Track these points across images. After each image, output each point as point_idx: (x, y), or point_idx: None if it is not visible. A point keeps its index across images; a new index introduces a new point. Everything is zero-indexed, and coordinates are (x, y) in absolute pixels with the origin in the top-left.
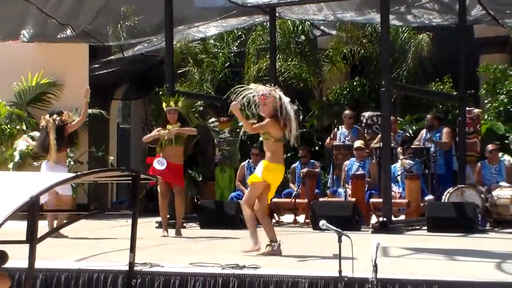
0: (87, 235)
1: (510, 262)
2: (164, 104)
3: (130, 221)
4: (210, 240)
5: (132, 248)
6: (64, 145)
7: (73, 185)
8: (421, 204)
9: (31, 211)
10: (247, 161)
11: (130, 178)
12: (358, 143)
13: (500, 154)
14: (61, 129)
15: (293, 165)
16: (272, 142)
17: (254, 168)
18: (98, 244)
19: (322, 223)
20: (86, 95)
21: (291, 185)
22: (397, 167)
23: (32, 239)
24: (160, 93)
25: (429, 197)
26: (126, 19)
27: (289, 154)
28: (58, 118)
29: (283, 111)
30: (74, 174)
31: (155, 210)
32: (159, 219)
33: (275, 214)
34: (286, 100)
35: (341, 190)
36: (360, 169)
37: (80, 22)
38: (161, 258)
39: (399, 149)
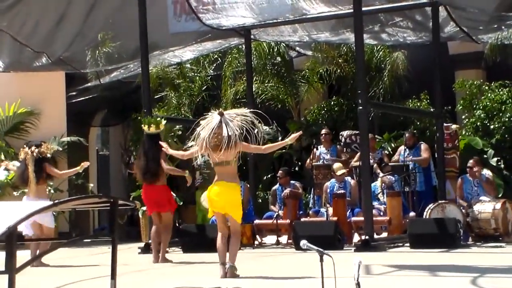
0: (68, 263)
1: (492, 276)
2: (153, 127)
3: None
4: (192, 264)
5: (113, 275)
6: (43, 178)
7: (54, 213)
8: (403, 221)
9: (9, 241)
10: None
11: (108, 204)
12: (338, 168)
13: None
14: (40, 162)
15: (274, 187)
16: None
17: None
18: (79, 271)
19: (303, 243)
20: (81, 168)
21: (271, 207)
22: (377, 185)
23: (11, 269)
24: (138, 118)
25: (412, 214)
26: (102, 46)
27: (269, 176)
28: (37, 150)
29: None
30: (51, 203)
31: (137, 235)
32: (141, 244)
33: (257, 236)
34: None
35: (323, 210)
36: (342, 190)
37: (55, 49)
38: (143, 283)
39: (375, 166)
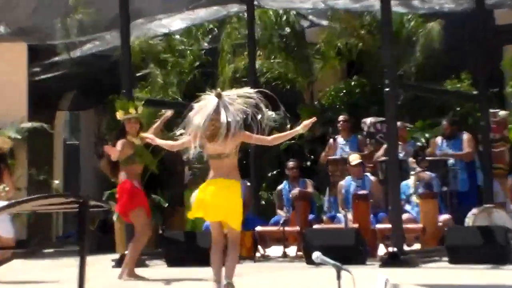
0: (26, 277)
1: None
2: (120, 112)
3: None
4: (179, 281)
5: None
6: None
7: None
8: (440, 229)
9: None
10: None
11: (77, 206)
12: (354, 158)
13: None
14: None
15: (279, 187)
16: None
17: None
18: None
19: (316, 255)
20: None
21: (278, 211)
22: (409, 184)
23: None
24: (116, 100)
25: (445, 216)
26: (74, 13)
27: (274, 172)
28: None
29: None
30: (6, 203)
31: (110, 245)
32: (115, 256)
33: (259, 246)
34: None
35: (340, 214)
36: (360, 189)
37: (15, 16)
38: None
39: (410, 159)
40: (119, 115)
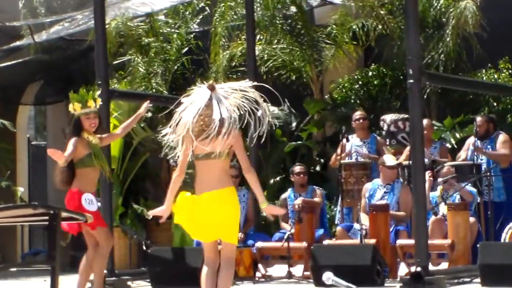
0: None
1: None
2: (77, 106)
3: (49, 279)
4: None
5: None
6: None
7: None
8: (472, 246)
9: None
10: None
11: (47, 218)
12: (388, 159)
13: None
14: None
15: (283, 196)
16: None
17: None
18: None
19: (327, 276)
20: None
21: (282, 224)
22: (435, 196)
23: None
24: (90, 93)
25: (470, 219)
26: None
27: (277, 178)
28: None
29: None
30: None
31: None
32: (91, 276)
33: (260, 265)
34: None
35: (357, 226)
36: (387, 196)
37: None
38: None
39: (429, 174)
40: (76, 108)
